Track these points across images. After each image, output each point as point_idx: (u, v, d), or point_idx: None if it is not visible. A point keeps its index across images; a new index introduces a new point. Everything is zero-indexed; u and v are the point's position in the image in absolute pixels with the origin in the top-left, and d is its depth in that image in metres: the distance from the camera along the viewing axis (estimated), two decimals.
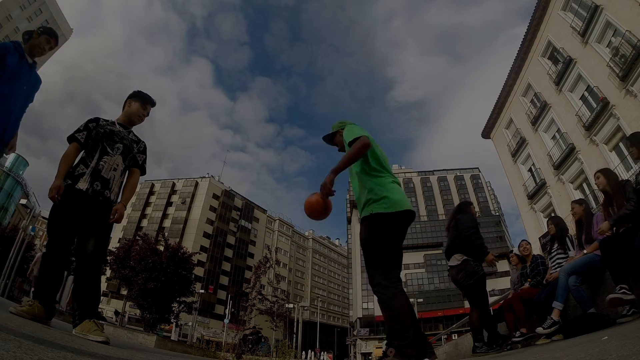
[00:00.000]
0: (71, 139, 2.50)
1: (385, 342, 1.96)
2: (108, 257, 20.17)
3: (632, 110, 12.95)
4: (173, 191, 58.83)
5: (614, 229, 2.78)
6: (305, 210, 2.27)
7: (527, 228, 20.63)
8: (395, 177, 2.27)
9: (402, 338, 1.83)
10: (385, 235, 2.03)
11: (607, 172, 3.20)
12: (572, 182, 16.94)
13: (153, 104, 2.79)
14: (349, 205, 57.95)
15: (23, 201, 30.36)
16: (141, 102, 2.73)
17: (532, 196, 19.73)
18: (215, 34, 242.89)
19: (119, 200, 2.57)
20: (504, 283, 35.63)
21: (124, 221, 49.23)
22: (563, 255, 3.63)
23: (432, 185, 59.41)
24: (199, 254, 24.97)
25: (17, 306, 2.27)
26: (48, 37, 2.72)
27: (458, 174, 59.35)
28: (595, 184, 3.24)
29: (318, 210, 2.19)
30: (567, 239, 3.71)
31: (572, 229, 3.74)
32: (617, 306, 2.52)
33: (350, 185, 2.44)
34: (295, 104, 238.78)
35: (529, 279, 4.10)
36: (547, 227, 4.15)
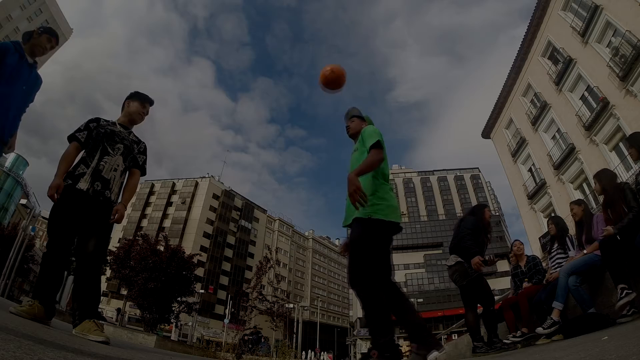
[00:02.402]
0: (71, 138, 2.50)
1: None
2: (108, 257, 20.18)
3: (632, 110, 12.95)
4: (173, 191, 58.82)
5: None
6: (327, 79, 2.37)
7: (527, 228, 20.64)
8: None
9: (385, 333, 1.87)
10: (378, 241, 2.08)
11: (601, 177, 3.19)
12: (572, 182, 16.94)
13: (151, 102, 2.81)
14: None
15: (23, 201, 30.32)
16: (140, 101, 2.75)
17: (532, 196, 19.73)
18: (216, 34, 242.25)
19: (119, 200, 2.57)
20: (504, 283, 35.63)
21: (124, 221, 49.20)
22: (563, 255, 3.63)
23: (432, 185, 59.41)
24: (200, 255, 24.96)
25: (17, 306, 2.28)
26: (49, 37, 2.73)
27: (458, 174, 59.36)
28: (594, 189, 3.24)
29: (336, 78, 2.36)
30: (567, 239, 3.71)
31: (572, 229, 3.74)
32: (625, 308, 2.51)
33: None
34: (297, 105, 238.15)
35: (526, 279, 4.11)
36: (547, 227, 4.16)
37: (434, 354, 1.81)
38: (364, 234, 2.06)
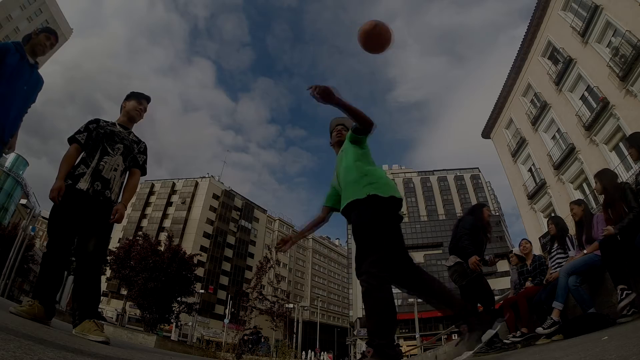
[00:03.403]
0: (72, 140, 2.51)
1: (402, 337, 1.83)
2: (108, 257, 20.18)
3: (632, 110, 12.94)
4: (173, 191, 58.84)
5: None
6: (366, 37, 1.95)
7: (527, 228, 20.63)
8: None
9: (384, 335, 1.65)
10: (381, 220, 1.88)
11: (602, 176, 3.19)
12: (572, 182, 16.94)
13: (148, 99, 2.83)
14: None
15: (23, 201, 30.33)
16: (136, 98, 2.78)
17: (532, 196, 19.73)
18: (217, 34, 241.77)
19: (119, 200, 2.57)
20: (504, 283, 35.65)
21: (124, 221, 49.18)
22: (563, 255, 3.63)
23: (432, 185, 59.43)
24: (200, 255, 25.00)
25: (17, 306, 2.28)
26: (47, 34, 2.74)
27: (458, 174, 59.38)
28: (594, 189, 3.24)
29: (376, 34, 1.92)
30: (567, 239, 3.71)
31: (572, 229, 3.74)
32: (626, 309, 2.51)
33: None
34: (297, 105, 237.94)
35: (530, 278, 4.11)
36: (547, 227, 4.16)
37: (489, 332, 1.68)
38: (365, 215, 1.90)
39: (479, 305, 3.77)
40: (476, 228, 3.69)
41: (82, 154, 2.51)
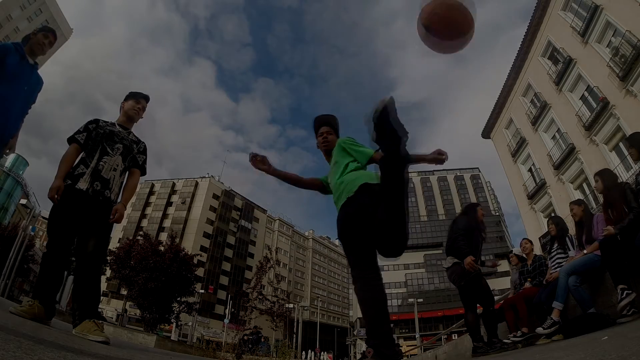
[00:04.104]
0: (71, 140, 2.51)
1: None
2: (108, 257, 20.18)
3: (632, 110, 12.94)
4: (173, 191, 58.80)
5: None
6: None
7: (527, 228, 20.63)
8: None
9: (378, 334, 1.65)
10: (347, 219, 1.88)
11: (603, 175, 3.20)
12: (572, 182, 16.94)
13: (146, 98, 2.83)
14: None
15: (23, 201, 30.33)
16: (134, 98, 2.78)
17: (532, 196, 19.73)
18: (218, 35, 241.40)
19: (119, 200, 2.57)
20: (504, 283, 35.64)
21: (124, 221, 49.15)
22: (563, 256, 3.63)
23: (432, 185, 59.45)
24: (200, 255, 25.00)
25: (17, 306, 2.28)
26: (45, 33, 2.74)
27: (458, 174, 59.37)
28: (594, 187, 3.25)
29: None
30: (567, 239, 3.71)
31: (572, 229, 3.74)
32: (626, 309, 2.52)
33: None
34: (298, 105, 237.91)
35: (529, 279, 4.10)
36: (548, 227, 4.16)
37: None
38: (339, 222, 1.92)
39: (478, 305, 3.77)
40: (471, 228, 3.70)
41: (81, 154, 2.51)
